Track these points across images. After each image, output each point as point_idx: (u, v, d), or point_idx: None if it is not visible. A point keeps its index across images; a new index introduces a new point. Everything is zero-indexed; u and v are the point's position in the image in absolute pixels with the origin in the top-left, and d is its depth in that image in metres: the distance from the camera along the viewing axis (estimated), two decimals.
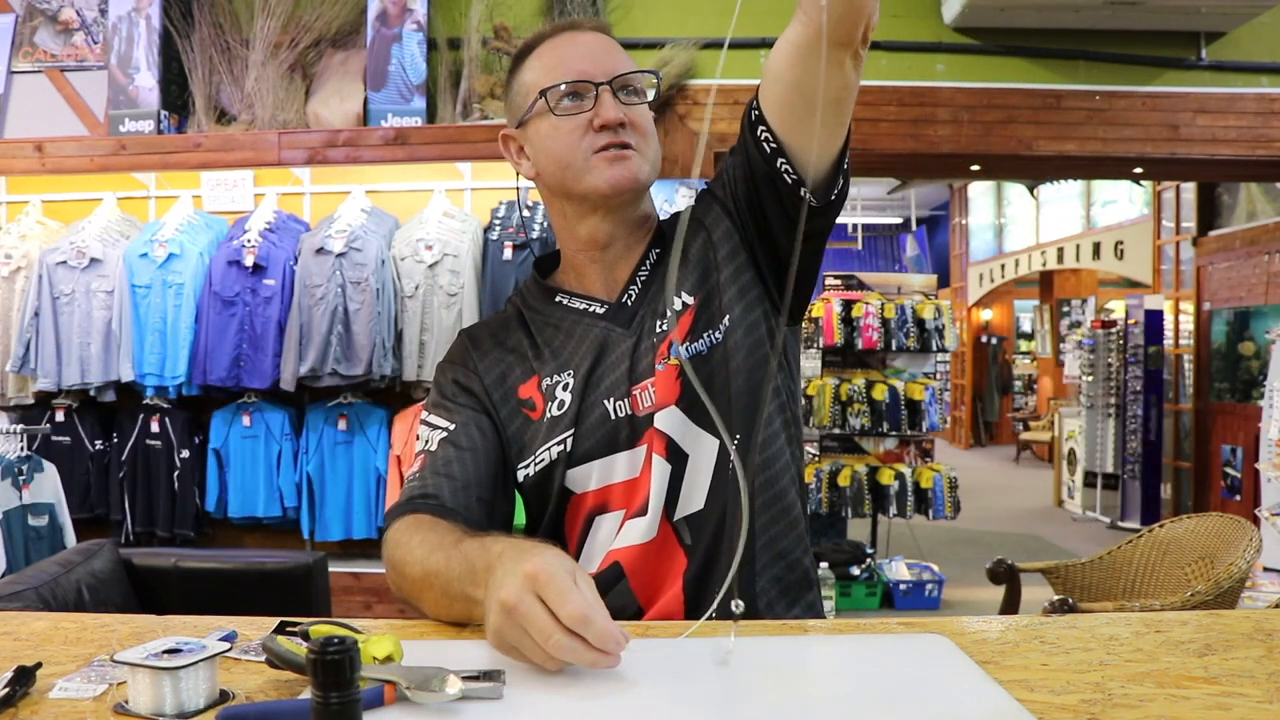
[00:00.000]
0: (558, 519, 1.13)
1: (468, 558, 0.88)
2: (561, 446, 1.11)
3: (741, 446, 1.10)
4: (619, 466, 1.11)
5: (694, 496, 1.10)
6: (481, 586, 0.84)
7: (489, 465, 1.11)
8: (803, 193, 1.06)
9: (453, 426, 1.12)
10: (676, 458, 1.10)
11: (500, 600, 0.77)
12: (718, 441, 1.10)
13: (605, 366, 1.13)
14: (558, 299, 1.19)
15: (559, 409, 1.12)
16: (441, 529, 0.97)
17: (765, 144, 1.07)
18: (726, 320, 1.13)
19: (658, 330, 1.13)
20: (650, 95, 1.15)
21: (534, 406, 1.14)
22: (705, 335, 1.12)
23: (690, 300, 1.14)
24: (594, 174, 1.11)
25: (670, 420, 1.10)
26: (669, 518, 1.09)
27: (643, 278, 1.17)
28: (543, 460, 1.11)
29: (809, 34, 0.97)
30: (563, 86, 1.10)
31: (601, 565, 1.10)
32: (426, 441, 1.12)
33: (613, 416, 1.11)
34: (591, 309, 1.17)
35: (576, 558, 1.13)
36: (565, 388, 1.13)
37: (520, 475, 1.13)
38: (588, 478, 1.11)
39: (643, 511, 1.09)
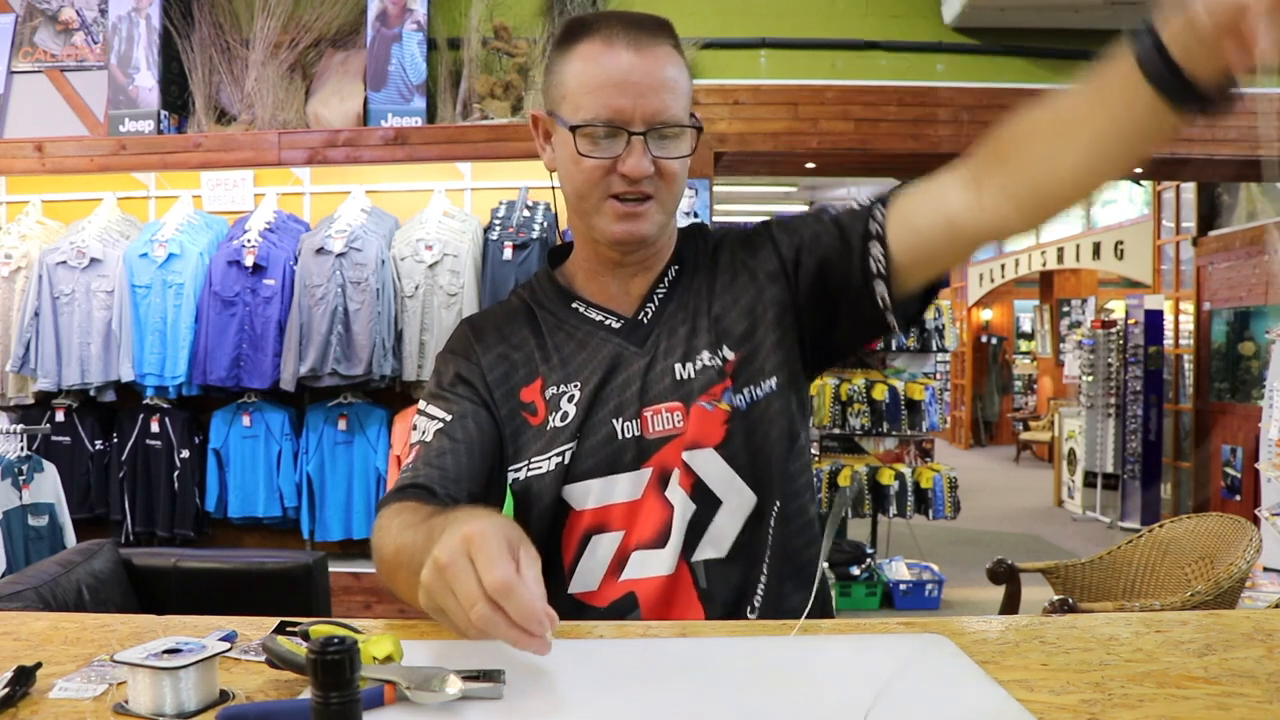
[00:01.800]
0: (554, 532, 1.11)
1: (432, 527, 0.85)
2: (560, 459, 1.09)
3: (780, 511, 1.10)
4: (620, 487, 1.09)
5: (719, 544, 1.08)
6: None
7: (483, 460, 1.09)
8: (888, 319, 1.07)
9: (449, 418, 1.10)
10: (705, 500, 1.08)
11: (434, 557, 0.75)
12: (755, 497, 1.09)
13: (615, 384, 1.10)
14: (573, 305, 1.16)
15: (562, 420, 1.10)
16: (420, 510, 0.95)
17: (874, 262, 1.05)
18: (772, 383, 1.11)
19: (682, 369, 1.10)
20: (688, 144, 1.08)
21: (535, 411, 1.12)
22: (745, 390, 1.10)
23: (731, 356, 1.11)
24: (603, 219, 1.08)
25: (706, 462, 1.08)
26: (687, 558, 1.08)
27: (660, 295, 1.15)
28: (537, 468, 1.09)
29: (986, 229, 1.00)
30: (593, 126, 1.05)
31: (616, 594, 1.09)
32: (423, 432, 1.10)
33: (619, 436, 1.09)
34: (607, 322, 1.14)
35: (571, 574, 1.11)
36: (571, 400, 1.10)
37: (510, 478, 1.12)
38: (586, 495, 1.09)
39: (659, 544, 1.07)
